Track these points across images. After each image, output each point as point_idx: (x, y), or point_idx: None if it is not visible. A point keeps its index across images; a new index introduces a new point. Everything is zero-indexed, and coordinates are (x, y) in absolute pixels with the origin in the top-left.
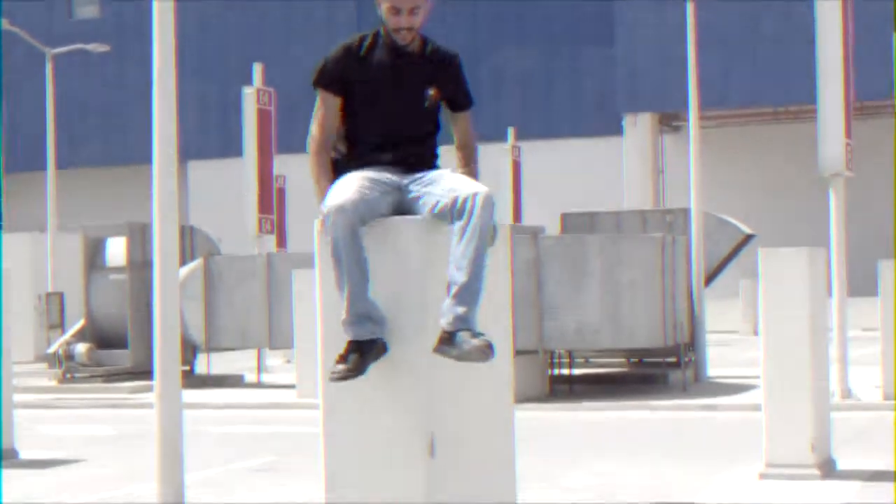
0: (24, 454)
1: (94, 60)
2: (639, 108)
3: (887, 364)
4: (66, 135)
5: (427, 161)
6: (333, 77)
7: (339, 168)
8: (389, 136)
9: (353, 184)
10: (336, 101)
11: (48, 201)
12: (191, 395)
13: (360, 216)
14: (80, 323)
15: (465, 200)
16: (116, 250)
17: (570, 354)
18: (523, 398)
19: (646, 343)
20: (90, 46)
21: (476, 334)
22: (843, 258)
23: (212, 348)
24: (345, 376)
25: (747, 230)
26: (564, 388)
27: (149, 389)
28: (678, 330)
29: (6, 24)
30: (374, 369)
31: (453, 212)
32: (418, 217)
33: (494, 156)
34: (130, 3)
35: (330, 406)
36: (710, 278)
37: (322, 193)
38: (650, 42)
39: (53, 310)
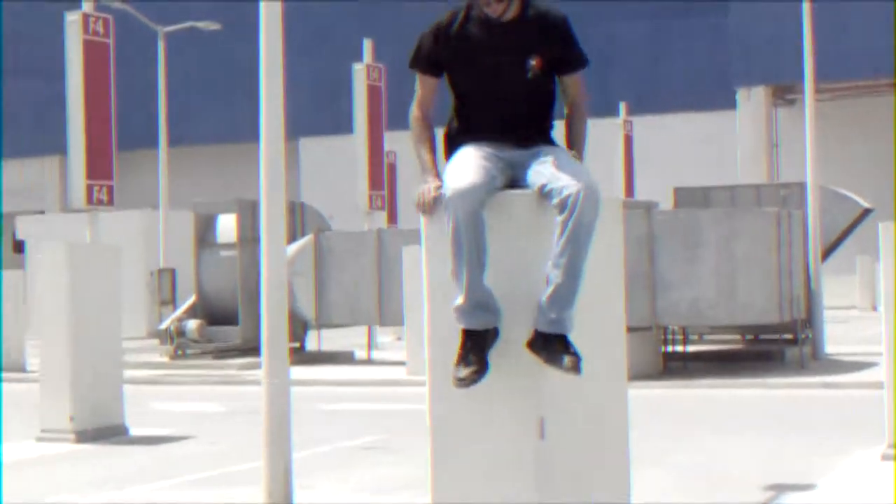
0: (135, 430)
1: (206, 38)
2: (753, 82)
3: None
4: (177, 112)
5: (538, 135)
6: (427, 59)
7: (451, 143)
8: (495, 111)
9: (471, 163)
10: (432, 81)
11: (160, 178)
12: (301, 371)
13: (480, 200)
14: (192, 299)
15: (569, 195)
16: (227, 227)
17: (684, 331)
18: (636, 375)
19: (761, 319)
20: (201, 24)
21: (568, 346)
22: None
23: (322, 325)
24: (473, 380)
25: (865, 204)
26: (678, 366)
27: (258, 366)
28: (794, 305)
29: (119, 3)
30: None
31: (558, 202)
32: (529, 192)
33: (606, 131)
34: None
35: (437, 389)
36: (826, 253)
37: (424, 167)
38: (764, 13)
39: (165, 286)
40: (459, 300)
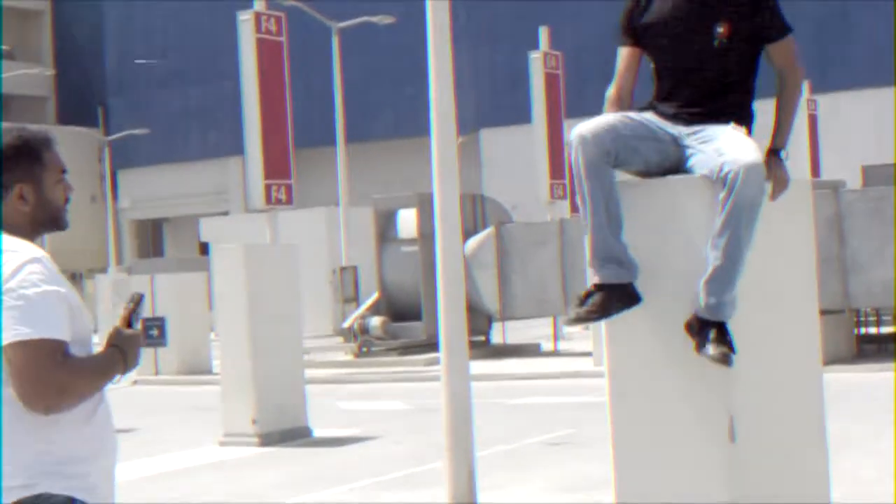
0: (319, 432)
1: (381, 33)
2: None
3: None
4: (354, 108)
5: (718, 112)
6: (624, 29)
7: None
8: (678, 84)
9: (607, 117)
10: (631, 54)
11: (339, 175)
12: (486, 365)
13: (605, 149)
14: (375, 296)
15: (729, 171)
16: (407, 222)
17: (878, 312)
18: (829, 360)
19: None
20: (375, 18)
21: (723, 334)
22: None
23: (507, 317)
24: (585, 318)
25: None
26: (873, 348)
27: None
28: None
29: (292, 0)
30: (666, 346)
31: (718, 179)
32: (689, 177)
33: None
34: None
35: (617, 387)
36: None
37: None
38: None
39: (348, 283)
40: (587, 253)
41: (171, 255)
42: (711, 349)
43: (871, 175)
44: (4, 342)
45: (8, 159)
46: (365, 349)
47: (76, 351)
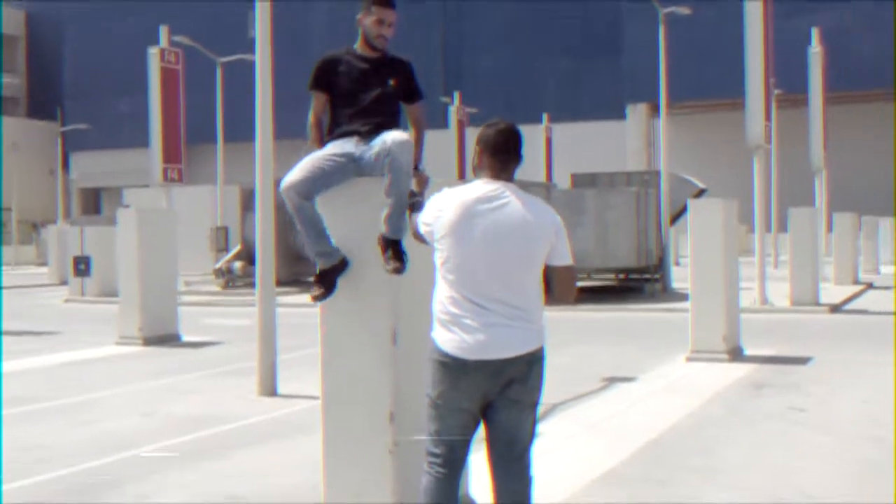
0: (186, 338)
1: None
2: (638, 99)
3: (793, 280)
4: (231, 117)
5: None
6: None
7: None
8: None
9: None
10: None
11: (217, 163)
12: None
13: (307, 193)
14: (238, 248)
15: (383, 147)
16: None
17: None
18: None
19: (626, 264)
20: (248, 56)
21: (398, 252)
22: (762, 206)
23: None
24: (324, 297)
25: (701, 185)
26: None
27: (285, 295)
28: (649, 255)
29: (187, 40)
30: (350, 284)
31: (380, 152)
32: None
33: (534, 134)
34: None
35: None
36: (674, 219)
37: None
38: (645, 51)
39: (220, 238)
40: (310, 254)
41: (106, 215)
42: (390, 264)
43: (578, 180)
44: None
45: None
46: (231, 284)
47: None
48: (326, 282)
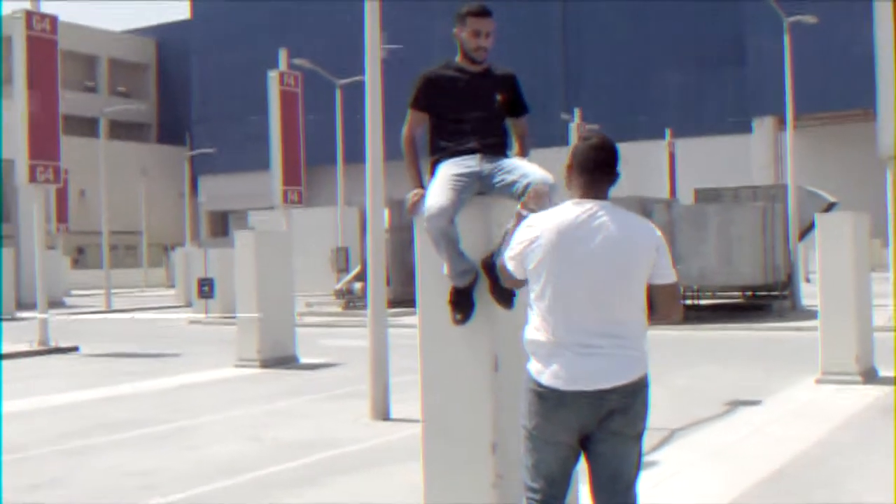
0: (304, 360)
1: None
2: (764, 112)
3: None
4: (350, 139)
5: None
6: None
7: None
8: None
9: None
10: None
11: (338, 185)
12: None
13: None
14: (358, 268)
15: (528, 183)
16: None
17: (699, 289)
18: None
19: (752, 281)
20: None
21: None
22: None
23: None
24: (466, 320)
25: (831, 199)
26: (693, 314)
27: (403, 315)
28: (776, 272)
29: (307, 63)
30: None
31: (520, 190)
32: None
33: (656, 150)
34: None
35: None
36: (803, 234)
37: None
38: (770, 62)
39: (341, 259)
40: (445, 270)
41: (232, 237)
42: (497, 295)
43: (701, 195)
44: None
45: None
46: (352, 304)
47: None
48: (466, 303)
